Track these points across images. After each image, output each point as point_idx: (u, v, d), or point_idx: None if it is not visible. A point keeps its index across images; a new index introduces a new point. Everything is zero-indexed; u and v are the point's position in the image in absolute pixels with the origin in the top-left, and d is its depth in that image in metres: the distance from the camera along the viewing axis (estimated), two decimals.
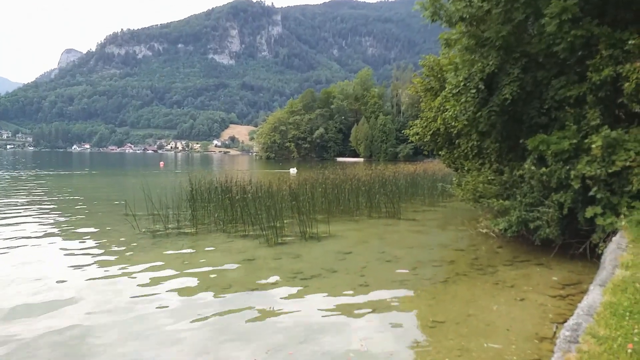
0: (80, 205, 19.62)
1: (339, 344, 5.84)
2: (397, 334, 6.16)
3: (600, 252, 8.20)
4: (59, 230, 13.51)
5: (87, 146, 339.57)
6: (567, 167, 9.05)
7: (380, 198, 17.81)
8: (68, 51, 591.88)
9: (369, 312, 6.95)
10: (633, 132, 8.66)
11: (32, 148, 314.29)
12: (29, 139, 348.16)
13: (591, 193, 8.73)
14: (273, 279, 8.71)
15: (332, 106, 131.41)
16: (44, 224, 14.48)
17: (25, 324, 6.41)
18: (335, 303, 7.41)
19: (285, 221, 14.13)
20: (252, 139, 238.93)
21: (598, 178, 8.55)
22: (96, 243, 11.81)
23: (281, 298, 7.64)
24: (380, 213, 16.94)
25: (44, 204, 19.61)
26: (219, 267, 9.47)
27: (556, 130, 9.72)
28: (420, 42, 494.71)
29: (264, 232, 12.35)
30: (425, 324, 6.50)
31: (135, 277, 8.73)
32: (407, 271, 9.24)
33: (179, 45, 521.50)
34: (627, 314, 4.28)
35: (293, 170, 36.91)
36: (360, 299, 7.62)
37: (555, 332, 5.86)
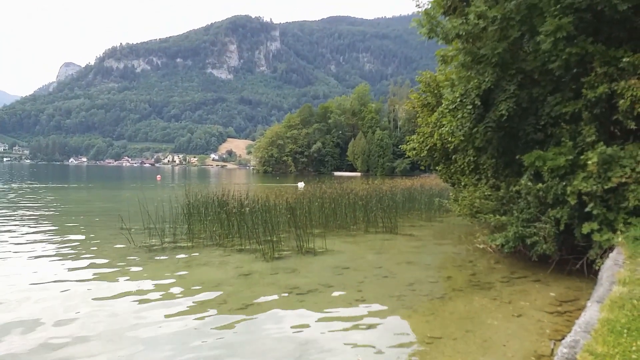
0: (75, 218, 19.51)
1: (336, 359, 5.79)
2: (394, 350, 6.10)
3: (597, 268, 8.20)
4: (52, 244, 13.40)
5: (84, 159, 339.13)
6: (564, 183, 9.08)
7: (377, 213, 17.79)
8: (67, 64, 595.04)
9: (365, 328, 6.90)
10: (628, 149, 8.72)
11: (28, 161, 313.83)
12: (25, 151, 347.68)
13: (587, 209, 8.74)
14: (269, 294, 8.65)
15: (330, 121, 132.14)
16: (37, 237, 14.37)
17: (15, 338, 6.33)
18: (331, 318, 7.35)
19: (281, 235, 14.09)
20: (249, 152, 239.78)
21: (594, 194, 8.58)
22: (90, 257, 11.71)
23: (277, 313, 7.57)
24: (377, 228, 16.91)
25: (39, 217, 19.50)
26: (215, 282, 9.40)
27: (552, 147, 9.78)
28: (417, 58, 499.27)
29: (261, 247, 12.31)
30: (423, 339, 6.45)
31: (129, 292, 8.65)
32: (405, 287, 9.19)
33: (178, 60, 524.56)
34: (625, 331, 4.26)
35: (301, 185, 37.11)
36: (357, 314, 7.56)
37: (553, 349, 5.82)
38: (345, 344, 6.30)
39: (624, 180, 8.33)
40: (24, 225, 16.86)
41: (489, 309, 7.76)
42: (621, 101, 8.67)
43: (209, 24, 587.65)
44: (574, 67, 9.48)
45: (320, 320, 7.28)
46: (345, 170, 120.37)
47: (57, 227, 16.76)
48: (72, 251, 12.37)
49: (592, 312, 4.95)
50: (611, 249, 8.16)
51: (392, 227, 16.57)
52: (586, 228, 8.74)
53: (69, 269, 10.43)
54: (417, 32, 11.42)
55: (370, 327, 6.96)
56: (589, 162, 8.61)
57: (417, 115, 18.54)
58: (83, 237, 14.69)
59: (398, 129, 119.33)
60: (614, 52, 9.00)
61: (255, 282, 9.52)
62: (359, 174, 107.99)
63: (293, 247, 12.82)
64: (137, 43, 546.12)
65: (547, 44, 9.04)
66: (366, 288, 9.11)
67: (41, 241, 13.75)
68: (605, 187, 8.45)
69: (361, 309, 7.81)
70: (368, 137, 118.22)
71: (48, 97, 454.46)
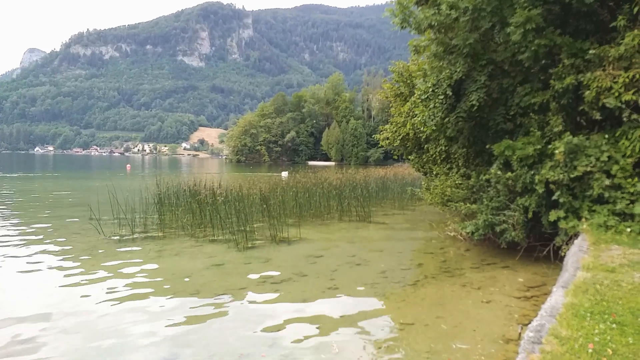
0: (42, 209, 18.96)
1: (310, 348, 5.82)
2: (367, 336, 6.18)
3: (563, 254, 8.46)
4: (18, 236, 12.99)
5: (51, 148, 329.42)
6: (532, 172, 9.30)
7: (351, 202, 17.90)
8: (31, 50, 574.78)
9: (339, 316, 6.96)
10: (593, 139, 8.98)
11: None
12: None
13: (554, 197, 8.99)
14: (242, 283, 8.62)
15: (304, 110, 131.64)
16: (2, 230, 13.92)
17: None
18: (305, 307, 7.38)
19: (255, 225, 14.03)
20: (222, 142, 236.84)
21: (561, 183, 8.82)
22: (59, 249, 11.43)
23: (251, 303, 7.56)
24: (350, 216, 17.01)
25: (3, 208, 18.88)
26: (187, 272, 9.30)
27: (521, 136, 10.00)
28: (391, 48, 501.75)
29: (234, 237, 12.23)
30: (395, 326, 6.56)
31: (99, 283, 8.49)
32: (377, 274, 9.30)
33: (147, 47, 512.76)
34: (588, 314, 4.42)
35: (285, 174, 36.96)
36: (331, 302, 7.62)
37: (520, 333, 6.00)
38: (319, 332, 6.34)
39: (589, 169, 8.59)
40: None
41: (460, 295, 7.93)
42: (587, 92, 8.90)
43: (180, 10, 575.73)
44: (543, 59, 9.68)
45: (293, 309, 7.30)
46: (320, 160, 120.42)
47: (23, 219, 16.25)
48: (39, 243, 12.03)
49: (557, 297, 5.11)
50: (576, 235, 8.44)
51: (366, 216, 16.70)
52: (553, 216, 8.99)
53: (35, 260, 10.15)
54: (390, 22, 11.45)
55: (343, 315, 7.02)
56: (556, 151, 8.83)
57: (391, 105, 18.64)
58: (50, 228, 14.29)
59: (372, 119, 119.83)
60: (581, 44, 9.22)
61: (229, 272, 9.47)
62: (333, 163, 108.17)
63: (267, 236, 12.79)
64: (105, 29, 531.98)
65: (516, 35, 9.19)
66: (339, 276, 9.18)
67: (6, 235, 13.32)
68: (572, 175, 8.70)
69: (334, 297, 7.86)
70: (342, 126, 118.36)
71: (11, 84, 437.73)
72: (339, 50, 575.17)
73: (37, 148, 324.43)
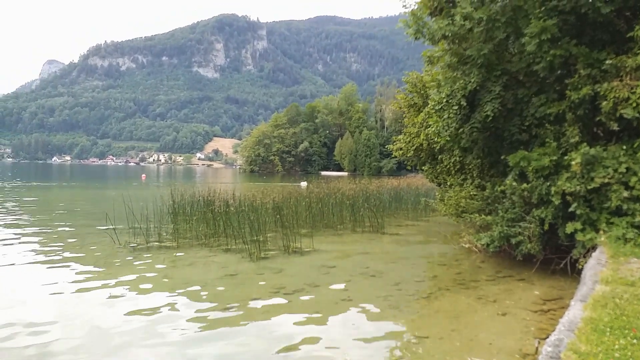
0: (59, 218, 19.23)
1: (322, 359, 5.78)
2: (380, 349, 6.11)
3: (580, 267, 8.30)
4: (35, 244, 13.18)
5: (68, 158, 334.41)
6: (548, 184, 9.18)
7: (364, 212, 17.83)
8: (50, 62, 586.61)
9: (352, 328, 6.90)
10: (611, 150, 8.85)
11: (10, 159, 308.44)
12: (7, 150, 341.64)
13: (571, 209, 8.85)
14: (255, 294, 8.60)
15: (317, 120, 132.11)
16: (19, 238, 14.12)
17: None
18: (317, 318, 7.34)
19: (268, 235, 14.03)
20: (236, 152, 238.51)
21: (578, 194, 8.69)
22: (74, 257, 11.55)
23: (263, 313, 7.54)
24: (364, 227, 16.94)
25: (21, 217, 19.17)
26: (200, 282, 9.32)
27: (536, 147, 9.89)
28: (404, 59, 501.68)
29: (247, 247, 12.24)
30: (409, 339, 6.48)
31: (113, 292, 8.54)
32: (391, 286, 9.22)
33: (164, 58, 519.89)
34: (608, 329, 4.32)
35: (304, 184, 36.94)
36: (344, 314, 7.57)
37: (537, 348, 5.88)
38: (331, 343, 6.29)
39: (606, 180, 8.45)
40: (7, 226, 16.56)
41: (475, 308, 7.82)
42: (604, 103, 8.79)
43: (195, 22, 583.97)
44: (558, 69, 9.60)
45: (306, 320, 7.27)
46: (333, 170, 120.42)
47: (40, 227, 16.47)
48: (56, 251, 12.17)
49: (575, 311, 5.01)
50: (594, 248, 8.28)
51: (379, 227, 16.62)
52: (570, 228, 8.85)
53: (51, 267, 10.27)
54: (403, 33, 11.46)
55: (356, 326, 6.96)
56: (573, 162, 8.72)
57: (404, 115, 18.62)
58: (67, 236, 14.47)
59: (385, 129, 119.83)
60: (597, 54, 9.13)
61: (242, 282, 9.47)
62: (346, 173, 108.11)
63: (280, 246, 12.78)
64: (122, 41, 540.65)
65: (532, 45, 9.13)
66: (353, 287, 9.12)
67: (25, 242, 13.52)
68: (589, 187, 8.57)
69: (348, 309, 7.80)
70: (355, 137, 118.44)
71: (31, 94, 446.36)
72: (352, 61, 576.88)
73: (54, 158, 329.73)
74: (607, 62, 8.87)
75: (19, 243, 13.24)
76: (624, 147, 8.81)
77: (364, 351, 6.05)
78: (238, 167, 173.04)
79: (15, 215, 19.73)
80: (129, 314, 7.39)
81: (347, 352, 5.99)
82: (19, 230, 15.50)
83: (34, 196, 30.61)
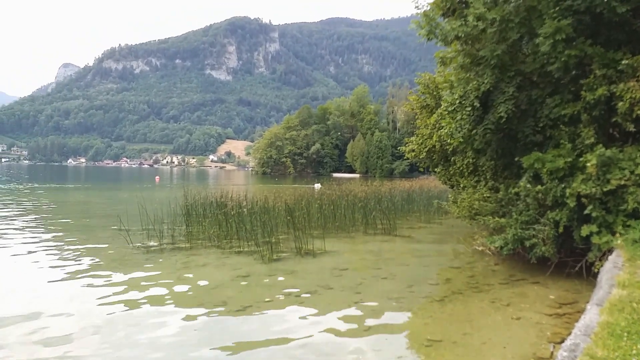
0: (73, 219, 19.47)
1: None
2: (393, 352, 6.08)
3: (596, 270, 8.18)
4: (50, 245, 13.36)
5: (83, 160, 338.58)
6: (563, 185, 9.06)
7: (376, 214, 17.78)
8: (65, 65, 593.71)
9: (365, 330, 6.88)
10: (627, 151, 8.71)
11: (27, 161, 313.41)
12: (24, 152, 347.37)
13: (587, 211, 8.73)
14: (268, 295, 8.62)
15: (329, 122, 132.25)
16: (35, 238, 14.33)
17: (13, 339, 6.29)
18: (330, 320, 7.33)
19: (280, 237, 14.06)
20: (248, 154, 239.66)
21: (593, 196, 8.56)
22: (88, 258, 11.66)
23: (275, 315, 7.55)
24: (376, 229, 16.89)
25: (37, 218, 19.45)
26: (213, 284, 9.37)
27: (551, 149, 9.77)
28: (416, 60, 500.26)
29: (259, 248, 12.27)
30: (422, 342, 6.43)
31: (127, 293, 8.62)
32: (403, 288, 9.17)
33: (177, 61, 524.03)
34: (625, 334, 4.25)
35: (317, 185, 36.99)
36: (356, 316, 7.54)
37: (552, 352, 5.81)
38: (344, 346, 6.28)
39: (622, 182, 8.32)
40: (23, 228, 16.81)
41: (488, 312, 7.75)
42: (620, 103, 8.66)
43: (208, 25, 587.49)
44: (573, 69, 9.47)
45: (319, 322, 7.26)
46: (344, 172, 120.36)
47: (55, 228, 16.70)
48: (70, 250, 12.32)
49: (591, 315, 4.93)
50: (610, 251, 8.15)
51: (391, 229, 16.56)
52: (585, 230, 8.72)
53: (66, 268, 10.38)
54: (416, 34, 11.41)
55: (369, 329, 6.93)
56: (588, 164, 8.60)
57: (416, 116, 18.54)
58: (81, 237, 14.64)
59: (397, 131, 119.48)
60: (613, 54, 9.00)
61: (254, 284, 9.49)
62: (357, 175, 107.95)
63: (292, 248, 12.80)
64: (135, 44, 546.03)
65: (546, 46, 9.03)
66: (365, 290, 9.09)
67: (39, 242, 13.70)
68: (605, 189, 8.44)
69: (360, 311, 7.78)
70: (367, 138, 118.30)
71: (46, 97, 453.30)
72: (364, 63, 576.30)
73: (70, 160, 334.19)
74: (623, 62, 8.74)
75: (33, 243, 13.42)
76: None
77: (377, 354, 6.03)
78: (250, 169, 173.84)
79: (29, 215, 20.00)
80: (139, 313, 7.45)
81: (359, 354, 5.97)
82: (32, 232, 15.70)
83: (50, 197, 31.02)
